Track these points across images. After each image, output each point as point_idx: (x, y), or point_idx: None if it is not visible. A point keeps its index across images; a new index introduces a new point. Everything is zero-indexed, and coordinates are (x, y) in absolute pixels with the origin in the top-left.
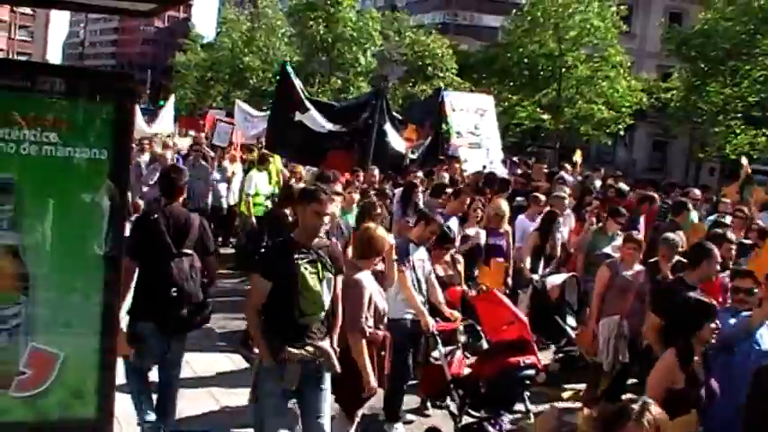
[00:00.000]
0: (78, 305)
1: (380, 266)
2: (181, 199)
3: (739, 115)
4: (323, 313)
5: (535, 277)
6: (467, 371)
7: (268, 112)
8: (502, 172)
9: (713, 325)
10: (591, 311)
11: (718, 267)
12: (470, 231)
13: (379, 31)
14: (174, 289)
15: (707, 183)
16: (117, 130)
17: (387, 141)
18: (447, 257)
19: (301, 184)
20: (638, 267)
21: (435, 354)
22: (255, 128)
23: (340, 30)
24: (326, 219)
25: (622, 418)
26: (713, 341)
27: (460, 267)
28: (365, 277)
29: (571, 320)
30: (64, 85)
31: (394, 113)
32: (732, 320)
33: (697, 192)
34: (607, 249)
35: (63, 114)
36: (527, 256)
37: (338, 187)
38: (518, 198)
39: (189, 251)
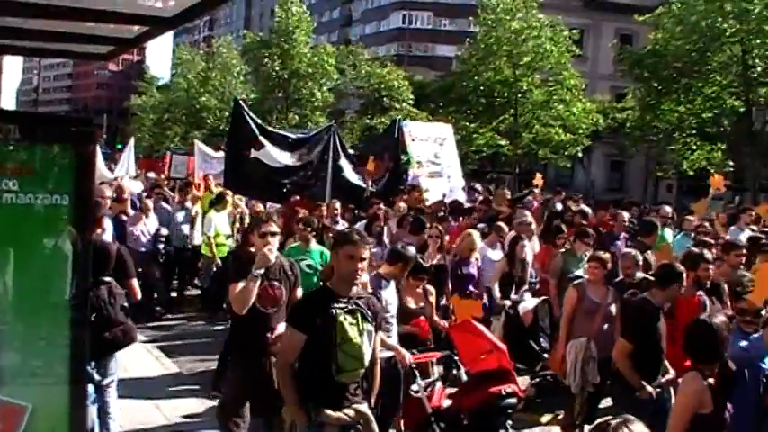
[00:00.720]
0: (45, 354)
1: None
2: (99, 230)
3: (694, 132)
4: (362, 370)
5: (507, 303)
6: (447, 402)
7: (221, 153)
8: (463, 199)
9: None
10: (560, 334)
11: (697, 286)
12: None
13: (335, 65)
14: (93, 315)
15: (666, 200)
16: (77, 175)
17: (343, 176)
18: (419, 289)
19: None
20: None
21: (414, 387)
22: (214, 168)
23: (295, 66)
24: (364, 264)
25: None
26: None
27: (432, 299)
28: None
29: (545, 344)
30: (20, 132)
31: (349, 150)
32: (743, 342)
33: (668, 209)
34: (579, 272)
35: (21, 161)
36: (495, 283)
37: (273, 227)
38: (480, 225)
39: (107, 278)
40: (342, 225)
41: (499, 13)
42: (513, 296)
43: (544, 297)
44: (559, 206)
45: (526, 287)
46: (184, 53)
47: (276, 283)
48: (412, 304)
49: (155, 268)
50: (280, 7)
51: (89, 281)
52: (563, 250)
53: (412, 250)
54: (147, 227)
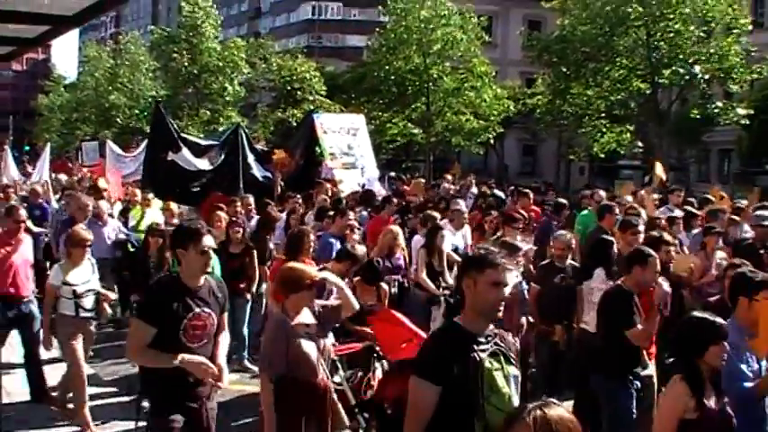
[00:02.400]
0: None
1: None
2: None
3: (603, 114)
4: None
5: (445, 292)
6: (371, 393)
7: (137, 152)
8: (379, 189)
9: (719, 348)
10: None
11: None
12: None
13: (245, 59)
14: None
15: (578, 182)
16: None
17: (251, 173)
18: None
19: (175, 221)
20: (517, 279)
21: (337, 378)
22: (128, 168)
23: (205, 61)
24: (506, 291)
25: (512, 419)
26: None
27: (385, 298)
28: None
29: None
30: None
31: (257, 146)
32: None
33: (602, 193)
34: None
35: None
36: (423, 273)
37: (211, 241)
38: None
39: None
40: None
41: (408, 2)
42: (449, 281)
43: None
44: (474, 190)
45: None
46: (91, 50)
47: (205, 312)
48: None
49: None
50: (186, 2)
51: None
52: (493, 238)
53: (361, 250)
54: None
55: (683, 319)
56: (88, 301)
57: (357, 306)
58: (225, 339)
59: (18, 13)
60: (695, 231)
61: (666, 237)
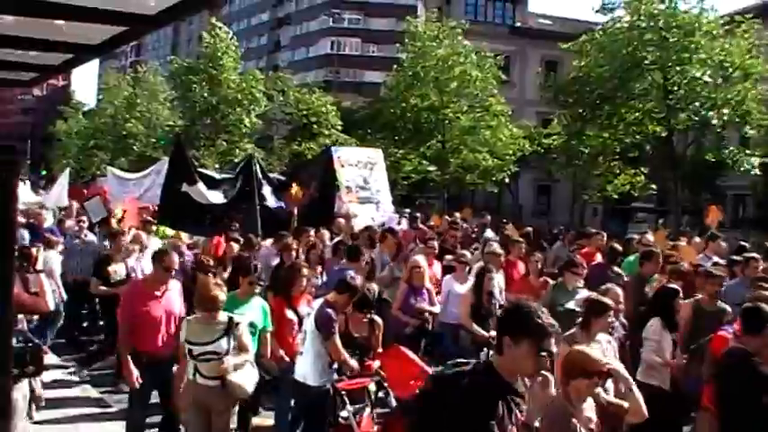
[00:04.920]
0: None
1: None
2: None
3: (617, 156)
4: None
5: (482, 333)
6: (376, 428)
7: (142, 174)
8: (394, 225)
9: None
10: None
11: None
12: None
13: (263, 91)
14: None
15: (591, 224)
16: None
17: (266, 206)
18: (365, 319)
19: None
20: None
21: (344, 413)
22: (133, 192)
23: (223, 92)
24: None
25: None
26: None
27: (379, 332)
28: None
29: None
30: None
31: (271, 176)
32: None
33: (650, 237)
34: (570, 304)
35: None
36: (467, 316)
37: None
38: (447, 257)
39: None
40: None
41: (425, 40)
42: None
43: None
44: (490, 233)
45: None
46: (111, 78)
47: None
48: (356, 334)
49: None
50: (207, 33)
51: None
52: (554, 283)
53: (359, 281)
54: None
55: None
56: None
57: (646, 413)
58: None
59: (40, 40)
60: (735, 281)
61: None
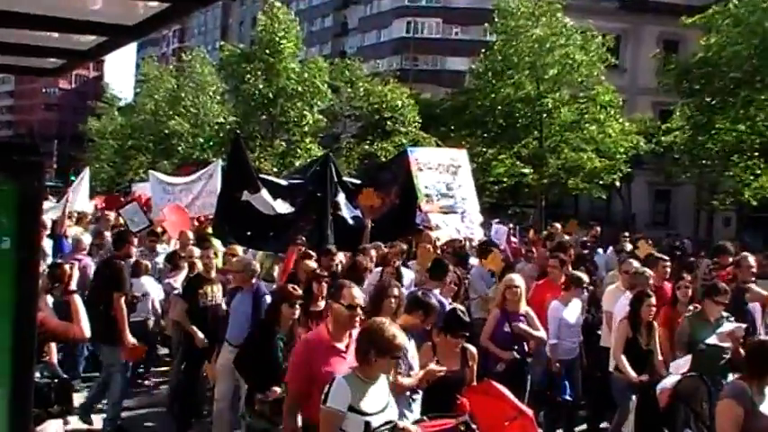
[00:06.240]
0: None
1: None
2: None
3: (756, 153)
4: None
5: (633, 377)
6: None
7: (189, 178)
8: (480, 237)
9: None
10: None
11: None
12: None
13: (328, 82)
14: None
15: (722, 235)
16: (22, 213)
17: (341, 215)
18: (457, 349)
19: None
20: None
21: None
22: (178, 199)
23: (282, 84)
24: None
25: None
26: None
27: (473, 363)
28: None
29: None
30: None
31: (345, 179)
32: None
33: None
34: (712, 339)
35: None
36: (620, 353)
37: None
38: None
39: None
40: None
41: (519, 18)
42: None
43: (692, 373)
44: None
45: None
46: (150, 69)
47: None
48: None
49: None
50: (264, 14)
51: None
52: (690, 314)
53: (435, 297)
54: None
55: None
56: None
57: None
58: None
59: (67, 20)
60: None
61: None
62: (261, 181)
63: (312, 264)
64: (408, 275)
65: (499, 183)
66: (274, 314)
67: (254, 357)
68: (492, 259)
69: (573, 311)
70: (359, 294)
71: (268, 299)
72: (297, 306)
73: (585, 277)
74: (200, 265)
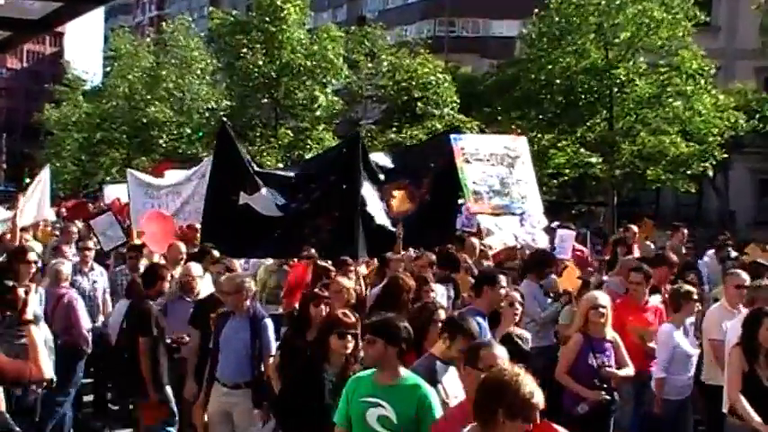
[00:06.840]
0: None
1: None
2: None
3: None
4: None
5: (758, 422)
6: None
7: (178, 179)
8: (543, 244)
9: None
10: None
11: None
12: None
13: (343, 55)
14: None
15: None
16: None
17: (368, 212)
18: None
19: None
20: None
21: None
22: (164, 204)
23: (286, 58)
24: None
25: None
26: None
27: None
28: None
29: None
30: None
31: (374, 167)
32: None
33: None
34: None
35: None
36: (736, 391)
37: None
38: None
39: None
40: None
41: None
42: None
43: None
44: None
45: None
46: (122, 42)
47: None
48: None
49: None
50: None
51: None
52: None
53: (475, 322)
54: None
55: None
56: None
57: None
58: None
59: None
60: None
61: None
62: (259, 176)
63: (348, 282)
64: (440, 292)
65: (559, 175)
66: (321, 348)
67: (298, 402)
68: (567, 276)
69: (688, 337)
70: (503, 354)
71: (269, 324)
72: (350, 337)
73: (695, 291)
74: (200, 287)
